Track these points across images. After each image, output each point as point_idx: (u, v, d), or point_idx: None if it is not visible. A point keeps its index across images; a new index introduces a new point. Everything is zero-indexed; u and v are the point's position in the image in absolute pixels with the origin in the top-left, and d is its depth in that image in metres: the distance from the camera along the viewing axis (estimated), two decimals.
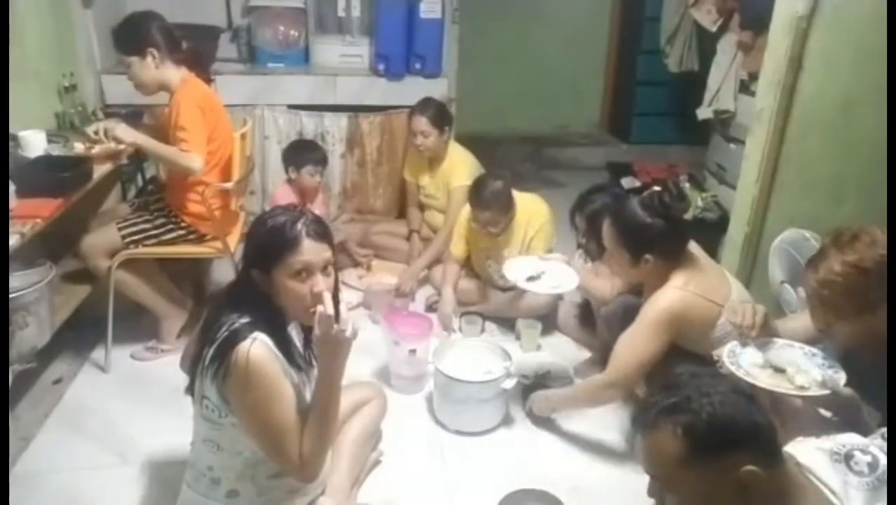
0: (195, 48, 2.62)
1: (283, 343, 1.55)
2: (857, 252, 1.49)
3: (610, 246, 2.06)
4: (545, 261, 2.55)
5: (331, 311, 1.46)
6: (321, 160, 3.18)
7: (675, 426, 1.07)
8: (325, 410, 1.55)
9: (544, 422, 2.33)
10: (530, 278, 2.42)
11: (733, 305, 1.86)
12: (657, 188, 2.01)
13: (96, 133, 2.44)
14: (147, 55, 2.38)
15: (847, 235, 1.53)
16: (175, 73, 2.45)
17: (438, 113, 3.21)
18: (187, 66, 2.49)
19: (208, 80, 2.62)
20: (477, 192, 2.76)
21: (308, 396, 1.59)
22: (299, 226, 1.50)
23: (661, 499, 1.15)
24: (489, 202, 2.72)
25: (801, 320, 1.86)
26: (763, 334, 1.74)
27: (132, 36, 2.41)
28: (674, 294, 1.95)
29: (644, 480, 2.07)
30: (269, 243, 1.51)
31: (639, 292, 2.32)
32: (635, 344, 1.98)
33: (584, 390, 2.21)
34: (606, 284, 2.47)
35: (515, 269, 2.50)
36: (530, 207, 2.86)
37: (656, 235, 1.96)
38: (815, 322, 1.62)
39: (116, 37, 2.46)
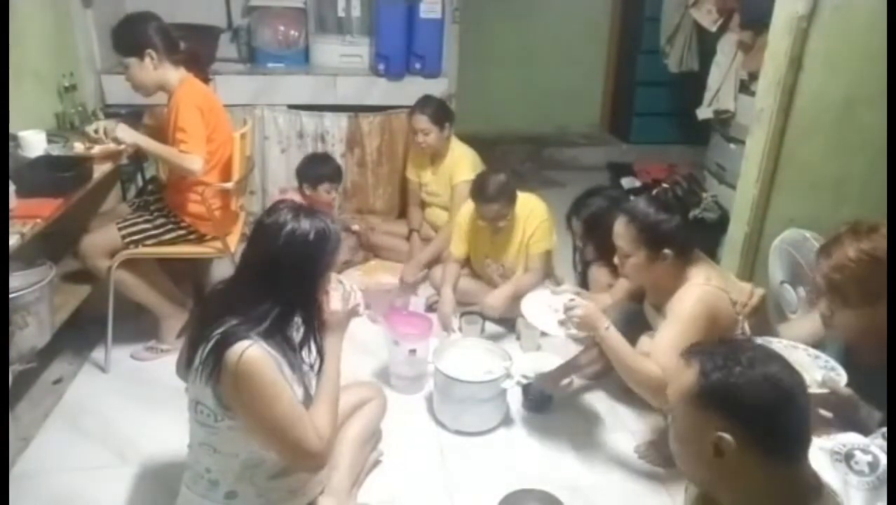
0: (193, 48, 2.61)
1: (286, 341, 1.55)
2: (873, 241, 1.52)
3: (626, 246, 2.02)
4: (557, 295, 2.24)
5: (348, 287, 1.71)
6: (336, 176, 3.20)
7: (699, 367, 1.12)
8: (335, 384, 1.66)
9: (544, 420, 2.34)
10: (562, 322, 2.07)
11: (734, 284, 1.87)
12: (665, 185, 2.01)
13: (96, 132, 2.44)
14: (145, 56, 2.38)
15: (865, 226, 1.55)
16: (174, 74, 2.45)
17: (438, 110, 3.22)
18: (185, 67, 2.49)
19: (206, 80, 2.62)
20: (481, 188, 2.75)
21: (299, 392, 1.58)
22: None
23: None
24: (494, 196, 2.72)
25: (804, 324, 1.86)
26: (754, 317, 1.74)
27: (129, 37, 2.41)
28: (699, 290, 1.93)
29: (642, 481, 2.09)
30: (336, 248, 1.61)
31: (639, 299, 2.32)
32: (676, 345, 1.81)
33: (634, 366, 1.86)
34: (604, 295, 2.46)
35: (536, 312, 2.22)
36: (528, 206, 2.86)
37: (673, 230, 1.96)
38: (820, 309, 1.62)
39: (114, 38, 2.45)
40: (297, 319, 1.62)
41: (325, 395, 1.63)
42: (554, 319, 2.13)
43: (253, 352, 1.44)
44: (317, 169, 3.18)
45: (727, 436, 1.06)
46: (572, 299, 1.97)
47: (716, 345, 1.17)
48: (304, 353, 1.66)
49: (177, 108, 2.38)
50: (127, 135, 2.41)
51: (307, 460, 1.57)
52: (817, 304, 1.64)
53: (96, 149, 2.43)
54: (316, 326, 1.65)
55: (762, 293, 1.79)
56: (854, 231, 1.55)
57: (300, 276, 1.55)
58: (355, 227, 3.48)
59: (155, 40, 2.39)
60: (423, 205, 3.49)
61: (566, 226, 2.79)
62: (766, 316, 1.81)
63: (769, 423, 1.07)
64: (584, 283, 2.82)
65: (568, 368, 2.40)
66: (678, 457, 1.19)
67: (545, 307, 2.22)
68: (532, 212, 2.85)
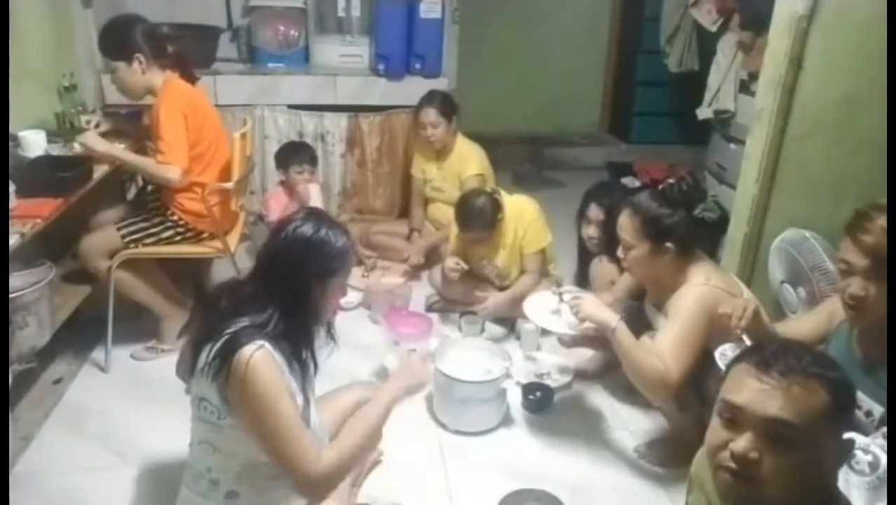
0: (180, 50, 2.57)
1: (297, 347, 1.55)
2: None
3: (629, 237, 2.02)
4: (556, 295, 2.27)
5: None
6: (306, 158, 3.21)
7: (818, 384, 0.99)
8: (368, 429, 1.66)
9: (544, 420, 2.34)
10: (554, 312, 2.20)
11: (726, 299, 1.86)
12: (671, 181, 2.02)
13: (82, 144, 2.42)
14: (134, 61, 2.37)
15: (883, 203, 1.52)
16: (160, 77, 2.43)
17: (445, 103, 3.26)
18: (171, 68, 2.47)
19: (193, 80, 2.58)
20: (461, 214, 2.78)
21: (300, 400, 1.56)
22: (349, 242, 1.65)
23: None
24: (473, 223, 2.75)
25: (805, 322, 1.86)
26: (753, 328, 1.73)
27: (118, 42, 2.39)
28: (699, 290, 1.93)
29: (642, 481, 2.09)
30: (340, 258, 1.60)
31: (640, 297, 2.32)
32: (677, 345, 1.87)
33: (639, 361, 1.86)
34: (605, 295, 2.45)
35: (538, 313, 2.26)
36: (518, 206, 2.87)
37: (676, 224, 1.97)
38: (851, 291, 1.52)
39: (101, 41, 2.43)
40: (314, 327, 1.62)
41: (349, 432, 1.62)
42: (555, 317, 2.19)
43: (261, 357, 1.44)
44: (286, 154, 3.23)
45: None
46: (575, 297, 1.99)
47: (794, 353, 1.02)
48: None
49: (157, 115, 2.36)
50: (98, 144, 2.39)
51: (297, 478, 1.54)
52: (848, 286, 1.52)
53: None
54: (313, 335, 1.62)
55: (755, 307, 1.76)
56: (878, 207, 1.51)
57: (292, 276, 1.53)
58: (366, 259, 3.40)
59: (143, 44, 2.37)
60: (427, 201, 3.49)
61: (575, 220, 2.78)
62: (762, 325, 1.79)
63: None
64: (584, 278, 2.82)
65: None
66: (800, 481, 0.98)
67: (546, 308, 2.25)
68: (522, 213, 2.85)
